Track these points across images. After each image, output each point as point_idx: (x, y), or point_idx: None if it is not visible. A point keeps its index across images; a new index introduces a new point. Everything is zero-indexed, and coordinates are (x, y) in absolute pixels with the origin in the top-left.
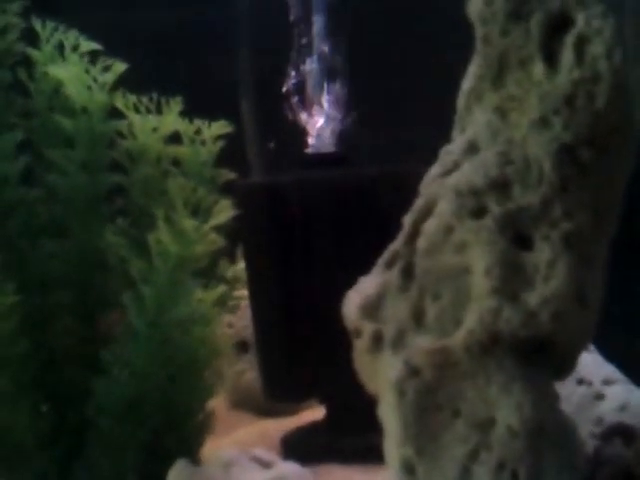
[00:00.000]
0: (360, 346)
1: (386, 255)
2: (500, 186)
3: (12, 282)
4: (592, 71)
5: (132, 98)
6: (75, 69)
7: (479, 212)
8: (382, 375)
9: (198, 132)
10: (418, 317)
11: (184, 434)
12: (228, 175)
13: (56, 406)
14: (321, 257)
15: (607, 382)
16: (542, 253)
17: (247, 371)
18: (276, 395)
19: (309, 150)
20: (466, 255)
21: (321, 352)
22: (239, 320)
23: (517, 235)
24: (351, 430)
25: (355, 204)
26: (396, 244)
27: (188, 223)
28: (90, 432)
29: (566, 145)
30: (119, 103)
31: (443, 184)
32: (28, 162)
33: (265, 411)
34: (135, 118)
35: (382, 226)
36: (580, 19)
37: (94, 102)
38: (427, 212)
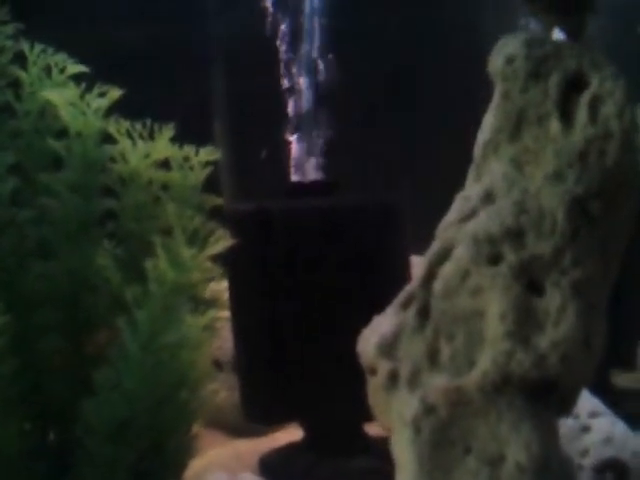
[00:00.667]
0: (375, 383)
1: (402, 296)
2: (515, 234)
3: (1, 302)
4: (604, 130)
5: (125, 124)
6: (70, 93)
7: (495, 259)
8: (396, 412)
9: (187, 159)
10: (433, 357)
11: (169, 456)
12: (215, 200)
13: (43, 425)
14: (305, 283)
15: (593, 415)
16: (553, 299)
17: (220, 390)
18: (257, 417)
19: (297, 177)
20: (481, 299)
21: (302, 376)
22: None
23: (530, 281)
24: (331, 453)
25: (339, 233)
26: (412, 285)
27: (185, 251)
28: (78, 452)
29: (578, 197)
30: (112, 129)
31: (460, 230)
32: (16, 183)
33: (238, 431)
34: (127, 144)
35: (362, 256)
36: (594, 80)
37: (88, 127)
38: (444, 256)
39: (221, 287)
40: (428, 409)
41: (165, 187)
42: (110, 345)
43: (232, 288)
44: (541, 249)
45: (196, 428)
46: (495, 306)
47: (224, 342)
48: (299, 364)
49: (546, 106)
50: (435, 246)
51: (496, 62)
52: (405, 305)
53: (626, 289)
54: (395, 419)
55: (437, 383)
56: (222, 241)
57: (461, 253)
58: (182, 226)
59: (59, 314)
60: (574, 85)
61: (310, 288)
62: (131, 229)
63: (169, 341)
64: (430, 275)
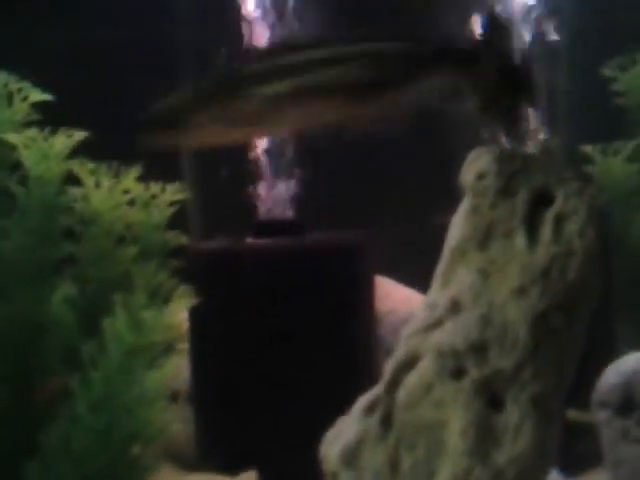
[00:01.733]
0: None
1: (367, 399)
2: (479, 349)
3: None
4: (567, 248)
5: (89, 165)
6: (31, 135)
7: (458, 373)
8: None
9: (154, 196)
10: (394, 466)
11: None
12: (180, 239)
13: None
14: (265, 326)
15: None
16: (512, 415)
17: (175, 423)
18: (215, 463)
19: (263, 216)
20: (443, 412)
21: (262, 423)
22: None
23: (491, 396)
24: None
25: (304, 274)
26: (377, 390)
27: (146, 312)
28: None
29: (541, 313)
30: (76, 170)
31: (426, 340)
32: None
33: (192, 464)
34: (90, 184)
35: (327, 296)
36: (559, 196)
37: (49, 171)
38: (409, 364)
39: (180, 317)
40: None
41: (129, 226)
42: (61, 400)
43: (193, 325)
44: (503, 364)
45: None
46: (456, 421)
47: (180, 371)
48: (259, 409)
49: (513, 222)
50: (401, 352)
51: (467, 177)
52: (369, 410)
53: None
54: None
55: None
56: (185, 301)
57: (426, 366)
58: (144, 283)
59: (7, 363)
60: (541, 199)
61: (272, 329)
62: (91, 274)
63: (125, 402)
64: (395, 381)
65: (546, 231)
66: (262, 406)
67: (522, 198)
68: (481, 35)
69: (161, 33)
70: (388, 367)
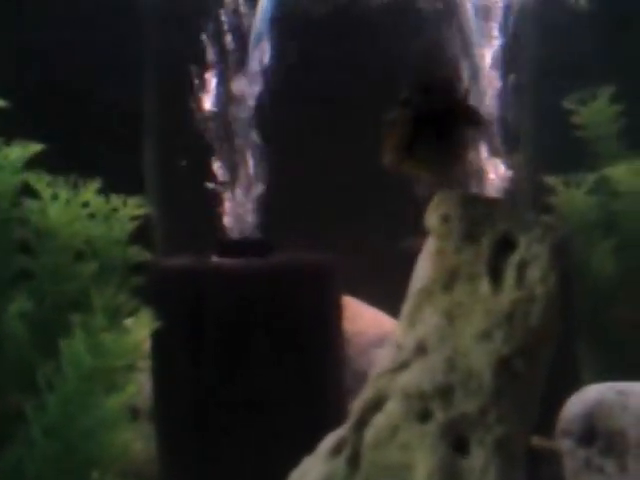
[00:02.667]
0: None
1: (333, 439)
2: (445, 392)
3: None
4: (529, 293)
5: (46, 177)
6: None
7: (424, 416)
8: None
9: (115, 209)
10: None
11: None
12: (142, 255)
13: None
14: (229, 347)
15: None
16: (477, 458)
17: (136, 441)
18: None
19: (230, 234)
20: (410, 455)
21: (223, 442)
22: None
23: (456, 439)
24: None
25: (269, 294)
26: (343, 430)
27: (106, 336)
28: None
29: (504, 357)
30: (33, 183)
31: (393, 381)
32: None
33: None
34: (47, 196)
35: (292, 317)
36: (522, 242)
37: (4, 184)
38: (376, 405)
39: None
40: None
41: (88, 241)
42: (15, 422)
43: (155, 343)
44: (468, 407)
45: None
46: (422, 465)
47: (142, 388)
48: (223, 429)
49: (478, 266)
50: (369, 392)
51: (432, 219)
52: (336, 451)
53: None
54: None
55: None
56: (146, 325)
57: (393, 408)
58: (104, 302)
59: None
60: (505, 244)
61: (236, 350)
62: (47, 290)
63: (82, 427)
64: (362, 421)
65: (509, 276)
66: (226, 425)
67: (486, 243)
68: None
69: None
70: (355, 407)
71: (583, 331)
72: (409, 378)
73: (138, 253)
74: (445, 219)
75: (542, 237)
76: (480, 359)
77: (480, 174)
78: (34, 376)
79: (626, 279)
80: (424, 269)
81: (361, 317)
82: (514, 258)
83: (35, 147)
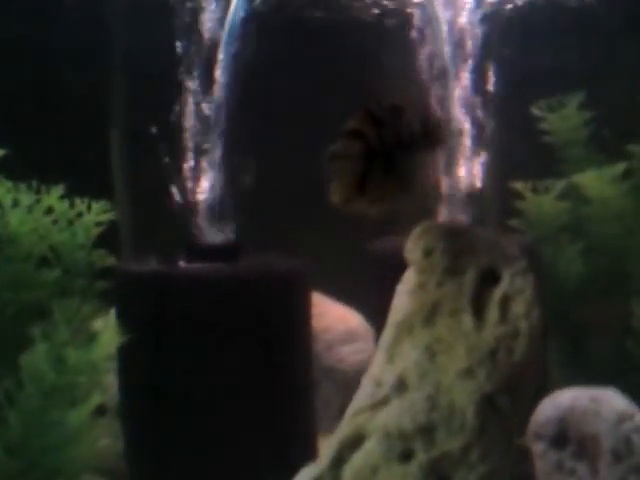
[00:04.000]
0: None
1: (307, 477)
2: (426, 431)
3: None
4: (513, 328)
5: (6, 184)
6: None
7: (406, 456)
8: None
9: (80, 214)
10: None
11: None
12: (107, 259)
13: None
14: (196, 352)
15: None
16: None
17: (103, 437)
18: (144, 477)
19: (199, 239)
20: None
21: (189, 440)
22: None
23: (439, 479)
24: None
25: (237, 300)
26: (318, 468)
27: (70, 352)
28: None
29: (487, 394)
30: None
31: (373, 419)
32: None
33: (120, 477)
34: (8, 206)
35: (261, 324)
36: (505, 277)
37: None
38: (355, 443)
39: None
40: None
41: (52, 247)
42: None
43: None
44: (451, 446)
45: None
46: None
47: (109, 386)
48: (190, 429)
49: (460, 300)
50: (346, 430)
51: (414, 253)
52: None
53: None
54: None
55: None
56: (113, 340)
57: (372, 447)
58: (67, 314)
59: None
60: (488, 279)
61: (204, 355)
62: (7, 299)
63: (45, 442)
64: (339, 459)
65: (493, 311)
66: (192, 426)
67: (469, 277)
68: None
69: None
70: (332, 442)
71: (552, 333)
72: (389, 416)
73: (103, 258)
74: (427, 253)
75: (525, 271)
76: (462, 396)
77: (437, 189)
78: None
79: (593, 282)
80: (403, 302)
81: (328, 314)
82: (497, 292)
83: None
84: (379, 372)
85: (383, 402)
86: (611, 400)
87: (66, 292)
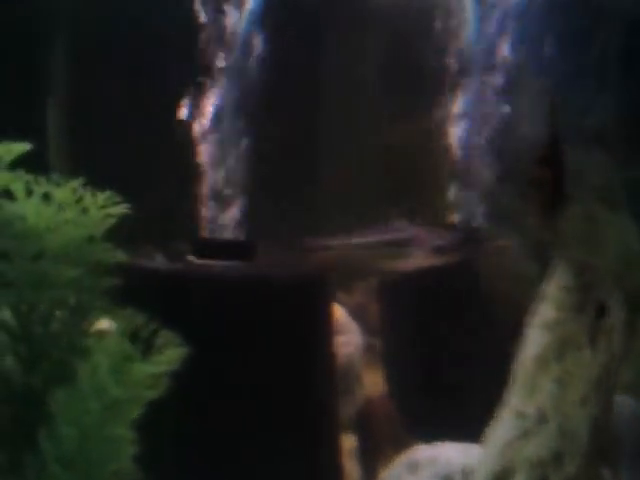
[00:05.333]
0: None
1: None
2: (557, 458)
3: None
4: (613, 355)
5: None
6: None
7: None
8: None
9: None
10: None
11: None
12: (118, 256)
13: None
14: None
15: None
16: None
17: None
18: None
19: (211, 235)
20: None
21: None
22: None
23: None
24: None
25: (257, 304)
26: None
27: (139, 367)
28: None
29: (594, 417)
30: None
31: (520, 451)
32: None
33: None
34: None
35: (281, 326)
36: (612, 309)
37: None
38: (505, 475)
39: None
40: None
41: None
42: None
43: None
44: (571, 470)
45: None
46: None
47: None
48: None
49: (582, 334)
50: (496, 463)
51: (552, 288)
52: None
53: None
54: None
55: None
56: (177, 355)
57: (520, 479)
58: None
59: None
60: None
61: (217, 357)
62: (28, 299)
63: (100, 457)
64: None
65: (602, 342)
66: (210, 436)
67: (589, 311)
68: None
69: None
70: (479, 476)
71: None
72: (532, 447)
73: (113, 254)
74: (565, 290)
75: (622, 300)
76: (580, 423)
77: None
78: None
79: None
80: (538, 335)
81: None
82: (606, 324)
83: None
84: (521, 405)
85: (528, 434)
86: None
87: (89, 290)
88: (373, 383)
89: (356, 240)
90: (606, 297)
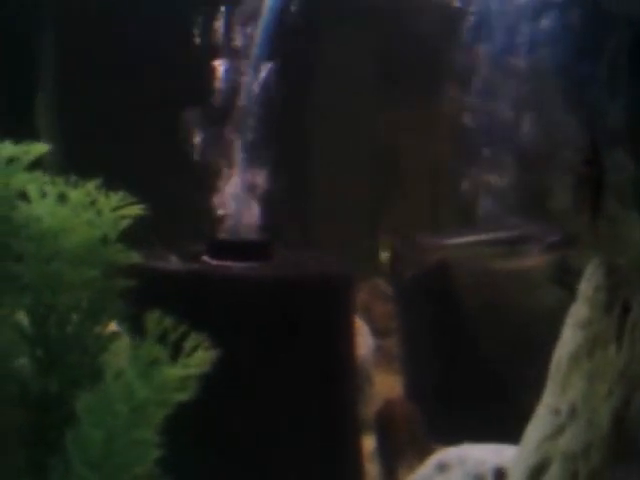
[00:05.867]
0: None
1: None
2: (586, 450)
3: None
4: (635, 352)
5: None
6: None
7: (573, 476)
8: None
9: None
10: None
11: None
12: (131, 257)
13: None
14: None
15: None
16: None
17: None
18: None
19: (227, 234)
20: None
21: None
22: None
23: None
24: None
25: (279, 305)
26: None
27: (169, 370)
28: None
29: (616, 410)
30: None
31: (554, 446)
32: None
33: None
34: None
35: (303, 329)
36: (635, 306)
37: None
38: (541, 469)
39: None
40: None
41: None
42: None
43: None
44: (597, 462)
45: None
46: None
47: None
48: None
49: (609, 332)
50: (533, 458)
51: (587, 288)
52: None
53: None
54: None
55: None
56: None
57: (555, 471)
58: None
59: None
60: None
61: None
62: (47, 302)
63: (128, 460)
64: None
65: (626, 339)
66: (232, 438)
67: (617, 311)
68: None
69: None
70: (517, 471)
71: None
72: (566, 441)
73: (126, 255)
74: (597, 289)
75: None
76: (605, 416)
77: None
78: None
79: None
80: (572, 334)
81: None
82: (630, 322)
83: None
84: (555, 402)
85: (561, 429)
86: None
87: (104, 292)
88: (386, 385)
89: (470, 238)
90: (630, 296)
